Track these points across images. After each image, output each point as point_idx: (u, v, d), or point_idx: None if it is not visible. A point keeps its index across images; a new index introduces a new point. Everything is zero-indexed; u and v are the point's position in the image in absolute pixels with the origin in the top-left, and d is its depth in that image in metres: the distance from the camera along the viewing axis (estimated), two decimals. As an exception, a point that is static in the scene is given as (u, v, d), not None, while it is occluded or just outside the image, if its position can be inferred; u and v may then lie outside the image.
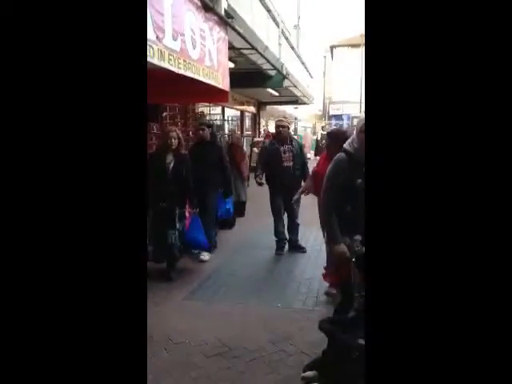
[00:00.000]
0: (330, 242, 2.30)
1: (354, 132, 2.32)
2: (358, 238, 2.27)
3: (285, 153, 4.66)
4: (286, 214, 4.91)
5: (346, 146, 2.27)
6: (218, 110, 11.76)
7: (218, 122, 10.88)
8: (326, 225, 2.33)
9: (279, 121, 4.88)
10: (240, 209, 6.81)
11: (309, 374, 2.22)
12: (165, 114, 7.76)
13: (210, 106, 10.80)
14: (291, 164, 4.66)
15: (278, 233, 4.87)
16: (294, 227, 4.90)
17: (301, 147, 4.91)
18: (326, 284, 3.72)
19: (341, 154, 2.25)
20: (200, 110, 9.76)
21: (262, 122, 16.46)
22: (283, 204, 4.80)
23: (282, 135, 4.70)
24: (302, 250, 4.86)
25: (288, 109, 18.87)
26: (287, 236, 4.91)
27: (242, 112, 14.23)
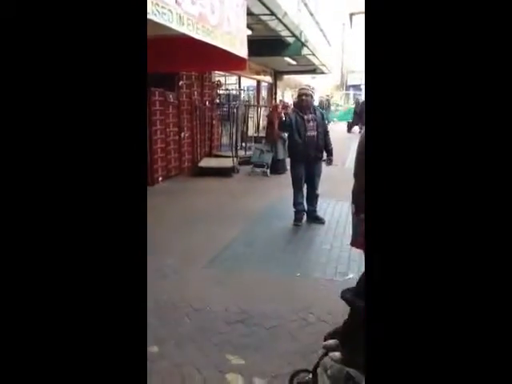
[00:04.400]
0: (364, 212, 2.26)
1: None
2: None
3: (309, 122, 4.56)
4: (305, 185, 4.87)
5: None
6: (234, 79, 11.59)
7: (234, 92, 10.74)
8: (359, 195, 2.28)
9: (302, 89, 4.74)
10: (276, 166, 8.02)
11: (330, 342, 2.23)
12: (181, 82, 7.69)
13: (225, 76, 10.64)
14: (315, 133, 4.56)
15: (297, 204, 4.84)
16: (313, 198, 4.85)
17: (323, 116, 4.80)
18: (346, 255, 3.72)
19: None
20: (216, 79, 9.64)
21: (279, 93, 16.19)
22: (304, 174, 4.75)
23: (304, 103, 4.58)
24: (320, 221, 4.83)
25: (305, 79, 18.50)
26: (306, 207, 4.89)
27: (259, 82, 14.00)
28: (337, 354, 2.03)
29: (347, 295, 2.18)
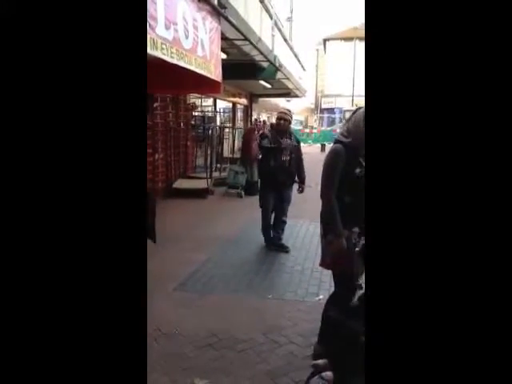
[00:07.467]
0: (330, 234, 2.29)
1: (348, 123, 2.32)
2: (356, 230, 2.27)
3: (283, 146, 4.51)
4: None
5: (340, 137, 2.28)
6: (210, 101, 11.70)
7: (210, 114, 10.82)
8: (328, 216, 2.31)
9: (282, 113, 4.63)
10: (251, 187, 7.88)
11: (319, 362, 2.20)
12: (156, 104, 7.70)
13: (201, 98, 10.73)
14: (288, 158, 4.51)
15: (265, 228, 4.78)
16: (279, 225, 4.75)
17: (298, 142, 4.75)
18: (317, 276, 3.75)
19: (337, 145, 2.26)
20: (192, 101, 9.70)
21: (254, 115, 16.40)
22: (273, 200, 4.67)
23: (281, 127, 4.53)
24: (284, 249, 4.63)
25: (280, 102, 18.83)
26: (271, 233, 4.79)
27: (234, 104, 14.16)
28: (329, 374, 1.98)
29: (332, 313, 2.16)
